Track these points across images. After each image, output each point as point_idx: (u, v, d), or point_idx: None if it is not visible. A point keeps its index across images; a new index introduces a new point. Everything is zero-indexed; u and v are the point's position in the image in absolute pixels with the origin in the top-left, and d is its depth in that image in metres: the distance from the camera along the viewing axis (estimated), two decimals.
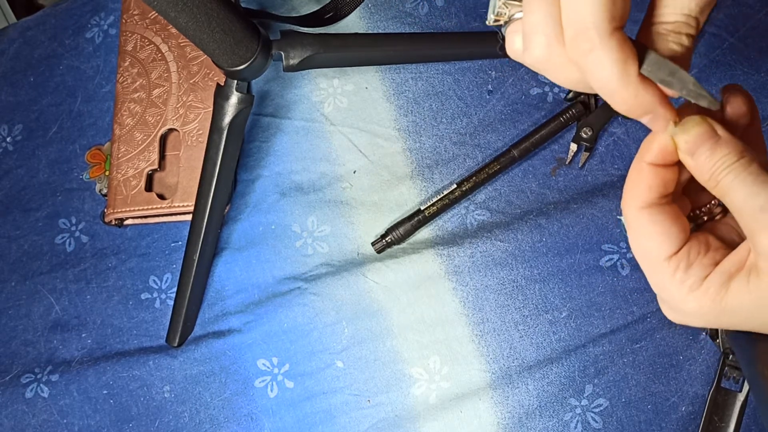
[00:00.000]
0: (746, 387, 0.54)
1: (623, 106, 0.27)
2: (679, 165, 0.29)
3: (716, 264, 0.28)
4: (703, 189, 0.31)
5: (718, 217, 0.32)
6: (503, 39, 0.30)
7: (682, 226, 0.29)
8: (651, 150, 0.29)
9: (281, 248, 0.63)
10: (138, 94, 0.67)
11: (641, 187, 0.29)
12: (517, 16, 0.29)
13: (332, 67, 0.65)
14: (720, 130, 0.28)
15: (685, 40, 0.27)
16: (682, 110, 0.29)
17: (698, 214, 0.32)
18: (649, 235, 0.29)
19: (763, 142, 0.31)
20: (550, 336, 0.58)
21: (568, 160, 0.61)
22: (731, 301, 0.28)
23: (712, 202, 0.32)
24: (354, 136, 0.65)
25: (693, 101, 0.27)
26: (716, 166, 0.27)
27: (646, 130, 0.29)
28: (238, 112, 0.55)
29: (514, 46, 0.29)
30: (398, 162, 0.64)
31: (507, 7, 0.29)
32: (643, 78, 0.26)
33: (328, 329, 0.60)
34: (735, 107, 0.30)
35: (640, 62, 0.26)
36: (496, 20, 0.30)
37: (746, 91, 0.30)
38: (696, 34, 0.28)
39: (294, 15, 0.66)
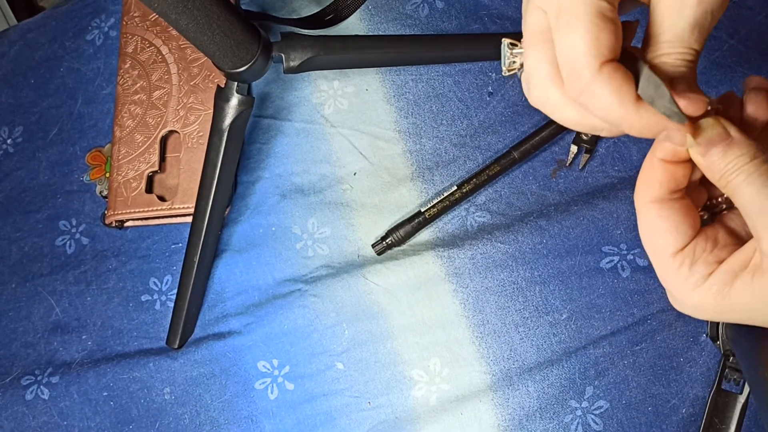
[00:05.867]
0: (747, 389, 0.54)
1: (634, 131, 0.27)
2: (691, 162, 0.29)
3: (720, 262, 0.28)
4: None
5: (725, 211, 0.32)
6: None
7: (691, 222, 0.29)
8: (663, 147, 0.29)
9: (281, 250, 0.63)
10: (138, 96, 0.67)
11: (652, 181, 0.29)
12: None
13: (333, 69, 0.65)
14: (733, 131, 0.27)
15: (684, 64, 0.27)
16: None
17: (716, 203, 0.32)
18: (657, 229, 0.29)
19: None
20: (551, 338, 0.58)
21: (569, 162, 0.61)
22: (734, 298, 0.28)
23: (723, 195, 0.32)
24: (354, 138, 0.65)
25: (668, 117, 0.26)
26: (728, 168, 0.27)
27: None
28: (239, 114, 0.55)
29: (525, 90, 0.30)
30: (398, 164, 0.64)
31: (516, 56, 0.30)
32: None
33: (328, 331, 0.60)
34: (755, 106, 0.30)
35: (636, 81, 0.26)
36: (509, 70, 0.31)
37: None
38: (695, 61, 0.28)
39: (294, 17, 0.66)
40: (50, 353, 0.64)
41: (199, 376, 0.61)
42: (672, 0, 0.26)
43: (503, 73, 0.31)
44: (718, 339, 0.55)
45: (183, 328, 0.61)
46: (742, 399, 0.54)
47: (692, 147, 0.28)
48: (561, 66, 0.27)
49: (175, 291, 0.62)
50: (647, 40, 0.28)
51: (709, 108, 0.28)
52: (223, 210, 0.61)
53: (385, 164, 0.64)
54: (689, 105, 0.27)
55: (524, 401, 0.56)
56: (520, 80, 0.30)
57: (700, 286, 0.28)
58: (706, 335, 0.56)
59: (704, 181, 0.31)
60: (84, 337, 0.64)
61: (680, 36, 0.27)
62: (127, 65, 0.69)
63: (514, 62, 0.31)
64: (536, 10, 0.28)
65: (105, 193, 0.68)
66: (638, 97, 0.26)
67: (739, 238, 0.30)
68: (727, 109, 0.29)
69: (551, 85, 0.28)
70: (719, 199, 0.32)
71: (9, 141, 0.73)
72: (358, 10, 0.66)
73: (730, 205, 0.32)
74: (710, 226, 0.30)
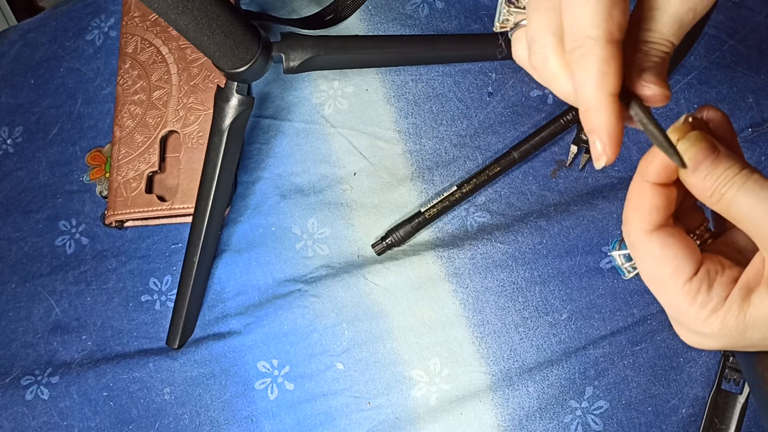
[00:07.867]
0: (746, 389, 0.54)
1: (590, 121, 0.26)
2: (677, 183, 0.28)
3: (736, 280, 0.27)
4: (690, 213, 0.30)
5: (708, 242, 0.31)
6: (506, 44, 0.31)
7: (693, 247, 0.28)
8: (654, 169, 0.28)
9: (281, 250, 0.63)
10: (138, 96, 0.67)
11: (647, 208, 0.28)
12: (522, 23, 0.30)
13: (332, 69, 0.65)
14: (718, 145, 0.27)
15: (659, 55, 0.27)
16: (678, 127, 0.28)
17: (697, 235, 0.31)
18: (663, 259, 0.28)
19: (743, 157, 0.30)
20: (551, 338, 0.58)
21: (569, 162, 0.61)
22: (753, 313, 0.27)
23: (702, 226, 0.31)
24: (354, 138, 0.65)
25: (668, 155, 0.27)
26: (718, 182, 0.26)
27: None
28: (239, 114, 0.55)
29: (519, 52, 0.29)
30: (398, 164, 0.64)
31: (512, 14, 0.30)
32: (618, 104, 0.26)
33: (328, 331, 0.60)
34: (717, 122, 0.29)
35: (625, 92, 0.26)
36: (502, 27, 0.30)
37: (720, 110, 0.30)
38: (670, 54, 0.27)
39: (294, 17, 0.66)
40: (50, 353, 0.64)
41: (199, 376, 0.61)
42: None
43: (494, 29, 0.31)
44: None
45: (183, 328, 0.61)
46: (741, 399, 0.54)
47: (682, 163, 0.27)
48: (566, 33, 0.26)
49: (175, 291, 0.62)
50: (630, 23, 0.27)
51: (690, 120, 0.27)
52: (223, 210, 0.61)
53: (385, 164, 0.64)
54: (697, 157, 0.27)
55: (524, 401, 0.56)
56: (516, 65, 0.30)
57: (719, 310, 0.27)
58: None
59: (678, 215, 0.31)
60: (84, 337, 0.64)
61: (661, 29, 0.27)
62: (127, 65, 0.69)
63: (507, 20, 0.30)
64: None
65: (105, 193, 0.68)
66: (616, 95, 0.26)
67: (736, 260, 0.29)
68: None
69: (552, 54, 0.27)
70: (697, 232, 0.31)
71: (9, 141, 0.73)
72: (358, 10, 0.66)
73: (705, 240, 0.31)
74: (708, 253, 0.29)
